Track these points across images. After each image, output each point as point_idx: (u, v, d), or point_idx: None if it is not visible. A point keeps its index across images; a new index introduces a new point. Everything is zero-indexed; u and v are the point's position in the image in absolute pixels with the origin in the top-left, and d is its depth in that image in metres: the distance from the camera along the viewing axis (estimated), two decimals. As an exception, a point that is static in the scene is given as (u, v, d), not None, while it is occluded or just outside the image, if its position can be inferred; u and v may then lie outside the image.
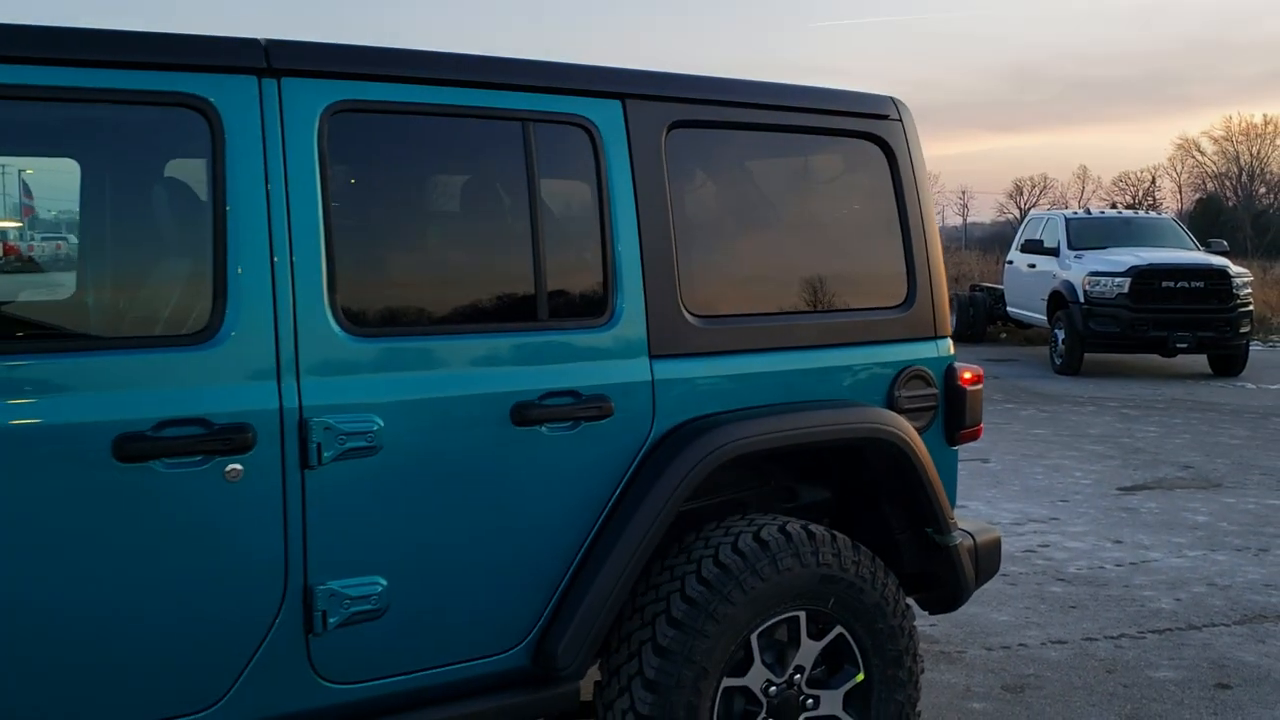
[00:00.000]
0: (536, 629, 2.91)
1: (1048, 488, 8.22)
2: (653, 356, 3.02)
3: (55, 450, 2.36)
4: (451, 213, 3.04)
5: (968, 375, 3.57)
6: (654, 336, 3.02)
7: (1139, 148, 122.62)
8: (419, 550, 2.74)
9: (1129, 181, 71.12)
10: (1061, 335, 14.59)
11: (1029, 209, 75.07)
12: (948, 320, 3.60)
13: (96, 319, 2.64)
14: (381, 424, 2.65)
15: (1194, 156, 66.20)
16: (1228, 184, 64.58)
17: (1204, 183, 66.72)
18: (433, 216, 3.04)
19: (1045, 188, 74.98)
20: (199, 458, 2.47)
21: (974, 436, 3.60)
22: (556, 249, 2.95)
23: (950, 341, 3.60)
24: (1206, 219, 53.31)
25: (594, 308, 2.98)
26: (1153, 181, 70.72)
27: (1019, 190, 75.01)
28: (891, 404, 3.40)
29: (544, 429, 2.85)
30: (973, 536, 3.57)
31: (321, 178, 2.63)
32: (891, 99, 3.53)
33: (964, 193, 77.57)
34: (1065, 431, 10.50)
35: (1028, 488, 8.21)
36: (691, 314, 3.09)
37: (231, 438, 2.48)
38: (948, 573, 3.48)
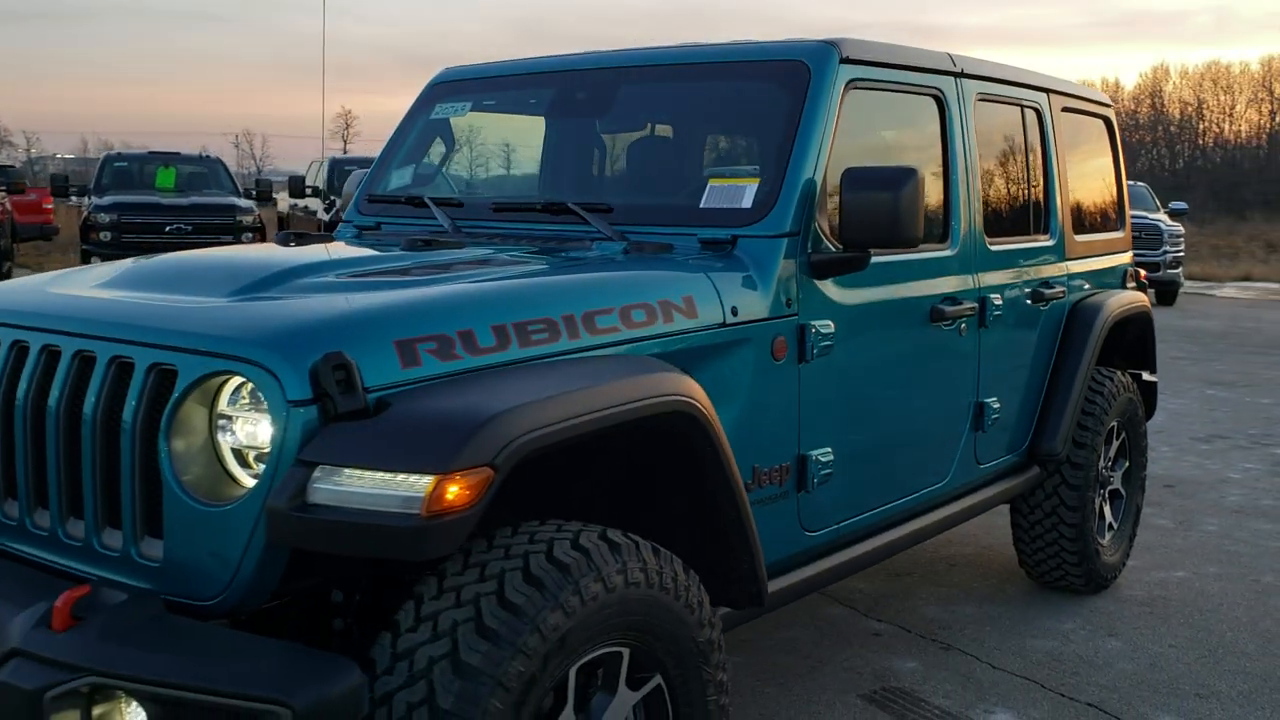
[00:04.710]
0: (1029, 435, 4.57)
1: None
2: (1065, 259, 4.74)
3: (911, 316, 3.73)
4: (1009, 164, 4.54)
5: (1144, 273, 5.57)
6: (1066, 247, 4.74)
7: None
8: (1008, 379, 4.32)
9: (483, 147, 77.49)
10: None
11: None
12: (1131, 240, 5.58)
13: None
14: (1000, 301, 4.20)
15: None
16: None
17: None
18: (996, 166, 4.51)
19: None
20: (949, 320, 3.92)
21: (1141, 314, 5.59)
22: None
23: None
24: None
25: (1040, 229, 4.64)
26: (504, 146, 77.58)
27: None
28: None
29: (1040, 305, 4.51)
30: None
31: (976, 141, 4.11)
32: (1108, 97, 5.42)
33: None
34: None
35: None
36: (1072, 233, 4.84)
37: (968, 308, 3.96)
38: (1151, 399, 5.48)
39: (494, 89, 4.13)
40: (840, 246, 3.32)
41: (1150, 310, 5.27)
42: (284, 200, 18.80)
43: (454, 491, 2.12)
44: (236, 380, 2.33)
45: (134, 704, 2.13)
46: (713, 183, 3.39)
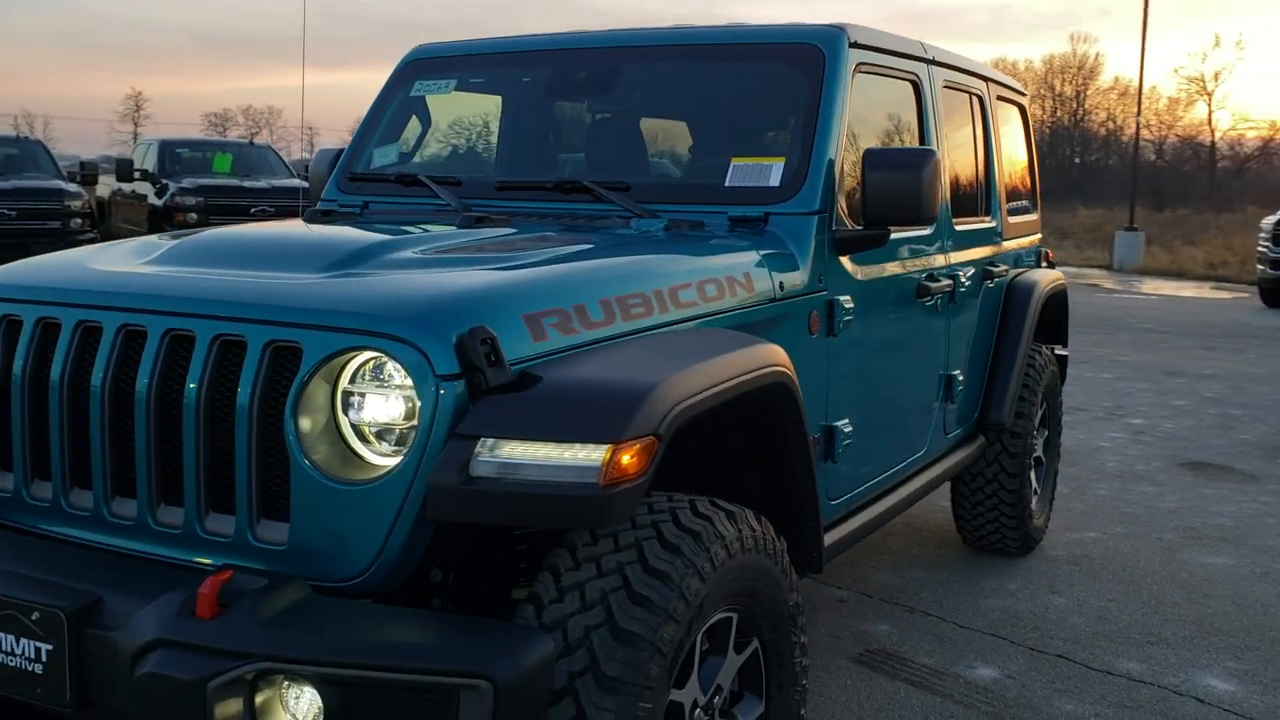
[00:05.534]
0: (979, 408, 4.81)
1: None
2: (1003, 239, 5.00)
3: (904, 293, 3.90)
4: (964, 148, 4.72)
5: (1051, 253, 5.91)
6: (1004, 228, 5.00)
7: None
8: (965, 353, 4.55)
9: (464, 125, 77.47)
10: None
11: (373, 147, 78.49)
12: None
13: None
14: (964, 278, 4.41)
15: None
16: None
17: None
18: (954, 149, 4.69)
19: (388, 126, 78.98)
20: (931, 296, 4.10)
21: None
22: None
23: (1039, 234, 5.92)
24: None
25: (984, 211, 4.88)
26: (485, 125, 77.32)
27: (363, 128, 78.31)
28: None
29: (988, 283, 4.75)
30: (1056, 352, 5.92)
31: (943, 123, 4.31)
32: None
33: (310, 129, 78.52)
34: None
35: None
36: (1007, 215, 5.10)
37: (945, 284, 4.15)
38: (1062, 371, 5.81)
39: (481, 66, 4.10)
40: (854, 224, 3.44)
41: (1066, 287, 5.61)
42: (104, 184, 17.85)
43: (627, 460, 2.14)
44: (363, 356, 2.28)
45: (298, 689, 2.08)
46: (735, 161, 3.46)
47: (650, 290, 2.69)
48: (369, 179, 3.99)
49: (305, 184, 15.44)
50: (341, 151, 4.19)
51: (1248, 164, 50.49)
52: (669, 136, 3.86)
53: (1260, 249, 17.11)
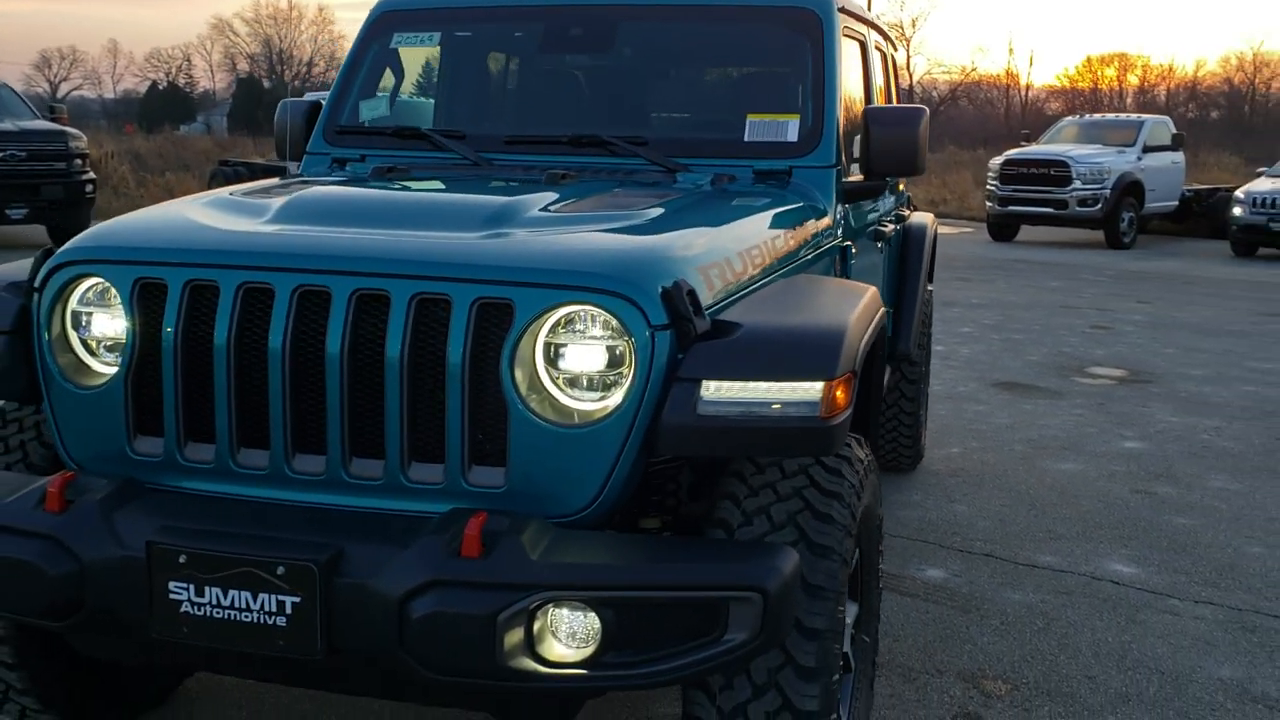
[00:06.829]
0: (889, 338, 5.30)
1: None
2: (898, 185, 5.49)
3: (871, 237, 4.29)
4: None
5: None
6: (900, 189, 5.49)
7: (171, 24, 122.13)
8: (886, 291, 5.01)
9: (162, 58, 72.78)
10: None
11: (60, 81, 72.49)
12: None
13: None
14: (891, 222, 4.85)
15: (228, 36, 70.00)
16: (260, 65, 69.29)
17: (235, 63, 70.73)
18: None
19: (75, 61, 73.27)
20: (880, 239, 4.52)
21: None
22: None
23: (903, 182, 6.46)
24: (250, 100, 57.70)
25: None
26: (187, 59, 73.03)
27: (47, 62, 72.33)
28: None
29: (898, 227, 5.23)
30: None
31: (875, 79, 4.70)
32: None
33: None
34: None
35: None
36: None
37: (891, 229, 4.58)
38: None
39: (467, 19, 4.15)
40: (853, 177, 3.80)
41: (938, 229, 6.19)
42: None
43: (839, 394, 2.42)
44: (565, 309, 2.44)
45: (564, 613, 2.25)
46: (751, 118, 3.73)
47: (762, 242, 2.95)
48: (358, 132, 4.00)
49: (57, 125, 14.53)
50: (315, 104, 4.17)
51: (941, 106, 54.29)
52: (670, 93, 4.07)
53: (989, 187, 18.71)
